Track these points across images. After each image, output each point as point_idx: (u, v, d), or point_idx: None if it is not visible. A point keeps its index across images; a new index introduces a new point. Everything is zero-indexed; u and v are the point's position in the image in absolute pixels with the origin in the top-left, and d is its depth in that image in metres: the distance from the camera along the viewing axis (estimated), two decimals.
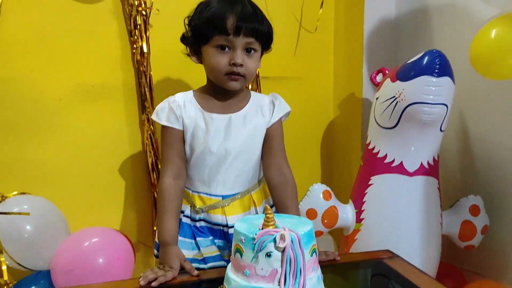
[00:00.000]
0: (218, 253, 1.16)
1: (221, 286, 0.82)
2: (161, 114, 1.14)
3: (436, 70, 1.28)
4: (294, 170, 1.26)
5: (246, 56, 1.10)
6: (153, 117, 1.15)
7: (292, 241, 0.74)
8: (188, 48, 1.17)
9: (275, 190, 1.19)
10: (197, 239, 1.15)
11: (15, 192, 1.36)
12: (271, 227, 0.77)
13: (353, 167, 1.67)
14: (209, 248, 1.16)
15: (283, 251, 0.74)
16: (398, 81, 1.36)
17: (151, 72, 1.51)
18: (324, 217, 1.52)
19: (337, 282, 0.90)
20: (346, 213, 1.54)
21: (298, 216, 0.88)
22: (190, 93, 1.18)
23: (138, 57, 1.50)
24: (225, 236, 1.16)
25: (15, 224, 1.28)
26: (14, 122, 1.41)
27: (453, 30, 1.56)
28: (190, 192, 1.18)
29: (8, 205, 1.31)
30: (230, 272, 0.80)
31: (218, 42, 1.07)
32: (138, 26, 1.47)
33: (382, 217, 1.45)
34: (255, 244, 0.75)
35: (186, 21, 1.15)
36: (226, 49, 1.08)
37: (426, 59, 1.30)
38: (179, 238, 1.13)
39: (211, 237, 1.16)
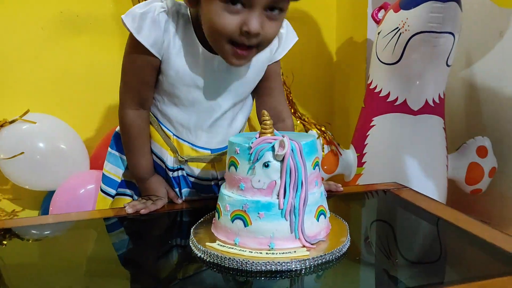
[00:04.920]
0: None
1: (214, 210, 0.75)
2: (141, 24, 0.79)
3: None
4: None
5: (267, 19, 0.73)
6: (127, 20, 0.79)
7: (292, 150, 0.66)
8: None
9: None
10: (183, 190, 0.94)
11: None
12: (269, 134, 0.69)
13: (355, 111, 1.59)
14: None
15: (282, 160, 0.66)
16: (401, 11, 1.27)
17: None
18: (324, 163, 1.45)
19: (341, 211, 0.82)
20: (347, 157, 1.47)
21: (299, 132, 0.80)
22: (186, 11, 0.83)
23: None
24: (213, 191, 0.95)
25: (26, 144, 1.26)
26: None
27: None
28: (172, 135, 0.90)
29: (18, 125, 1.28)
30: (224, 189, 0.72)
31: None
32: None
33: (385, 159, 1.38)
34: (251, 154, 0.67)
35: None
36: (239, 5, 0.71)
37: None
38: None
39: (194, 190, 0.96)
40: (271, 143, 0.67)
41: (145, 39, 0.79)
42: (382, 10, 1.44)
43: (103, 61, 1.43)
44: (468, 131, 1.51)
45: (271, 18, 0.74)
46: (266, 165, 0.66)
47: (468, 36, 1.43)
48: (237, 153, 0.68)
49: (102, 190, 0.97)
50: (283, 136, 0.67)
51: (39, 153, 1.29)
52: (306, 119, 1.56)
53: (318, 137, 1.46)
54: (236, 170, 0.69)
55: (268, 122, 0.69)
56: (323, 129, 1.48)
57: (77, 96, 1.42)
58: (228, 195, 0.69)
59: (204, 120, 0.89)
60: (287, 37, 0.92)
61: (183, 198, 0.95)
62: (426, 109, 1.34)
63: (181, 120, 0.89)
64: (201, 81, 0.84)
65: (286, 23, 0.92)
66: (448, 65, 1.32)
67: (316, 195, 0.70)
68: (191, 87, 0.85)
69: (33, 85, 1.37)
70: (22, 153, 1.24)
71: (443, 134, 1.39)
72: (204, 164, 0.92)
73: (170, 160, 0.92)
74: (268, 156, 0.66)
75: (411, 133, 1.35)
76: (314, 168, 0.70)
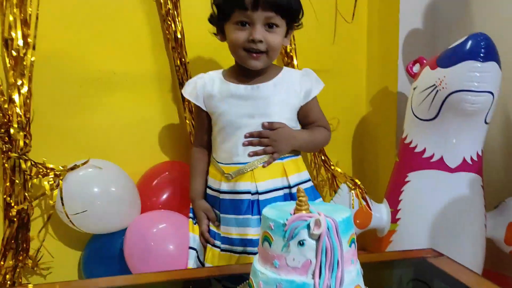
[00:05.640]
0: (245, 236, 1.11)
1: (246, 281, 0.74)
2: (187, 87, 1.20)
3: (481, 55, 1.18)
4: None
5: (267, 32, 1.08)
6: (182, 90, 1.23)
7: (328, 228, 0.65)
8: (215, 27, 1.18)
9: None
10: (221, 215, 1.16)
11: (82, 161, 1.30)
12: (304, 211, 0.67)
13: (387, 164, 1.56)
14: (235, 229, 1.14)
15: (318, 239, 0.65)
16: (438, 68, 1.26)
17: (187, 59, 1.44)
18: (356, 217, 1.42)
19: (377, 282, 0.80)
20: (381, 212, 1.43)
21: (334, 204, 0.78)
22: (221, 71, 1.21)
23: (173, 44, 1.42)
24: (252, 208, 1.10)
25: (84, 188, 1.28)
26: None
27: (500, 13, 1.43)
28: (222, 165, 1.15)
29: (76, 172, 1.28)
30: (257, 264, 0.71)
31: (237, 18, 1.07)
32: (170, 11, 1.40)
33: (421, 217, 1.34)
34: (286, 231, 0.66)
35: (212, 0, 1.15)
36: (246, 25, 1.07)
37: (469, 43, 1.20)
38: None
39: (241, 216, 1.12)
40: (306, 220, 0.66)
41: (189, 95, 1.19)
42: (417, 64, 1.43)
43: (138, 116, 1.47)
44: (507, 188, 1.45)
45: (270, 31, 1.08)
46: (301, 243, 0.65)
47: (507, 91, 1.39)
48: (272, 228, 0.68)
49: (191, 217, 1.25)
50: (319, 214, 0.66)
51: (96, 198, 1.29)
52: (337, 171, 1.54)
53: (350, 190, 1.44)
54: (270, 246, 0.68)
55: (303, 199, 0.68)
56: (357, 181, 1.46)
57: (113, 150, 1.45)
58: (261, 271, 0.68)
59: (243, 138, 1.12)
60: (317, 82, 1.19)
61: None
62: (464, 167, 1.30)
63: (233, 145, 1.12)
64: (236, 106, 1.13)
65: (312, 73, 1.20)
66: (486, 123, 1.29)
67: (352, 274, 0.68)
68: (232, 114, 1.13)
69: (73, 139, 1.40)
70: (85, 211, 1.25)
71: (481, 192, 1.35)
72: (245, 176, 1.11)
73: (219, 184, 1.16)
74: (303, 234, 0.65)
75: (447, 191, 1.32)
76: (350, 246, 0.69)
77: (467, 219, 1.33)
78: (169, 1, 1.40)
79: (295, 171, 1.15)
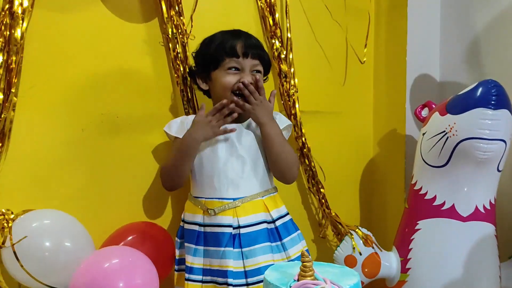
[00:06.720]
0: (226, 268, 1.15)
1: None
2: (173, 126, 1.29)
3: (493, 102, 1.15)
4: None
5: (252, 76, 1.24)
6: (165, 128, 1.29)
7: None
8: (196, 78, 1.32)
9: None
10: (203, 248, 1.20)
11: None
12: (309, 278, 0.64)
13: (395, 210, 1.52)
14: (216, 261, 1.18)
15: None
16: (448, 115, 1.23)
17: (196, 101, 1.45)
18: (364, 266, 1.37)
19: None
20: (390, 261, 1.38)
21: (341, 266, 0.74)
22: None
23: (182, 87, 1.43)
24: (234, 240, 1.17)
25: (34, 240, 1.16)
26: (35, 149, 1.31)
27: (509, 57, 1.42)
28: (203, 199, 1.22)
29: (27, 221, 1.19)
30: None
31: (229, 64, 1.23)
32: (179, 55, 1.41)
33: (432, 267, 1.29)
34: None
35: (193, 55, 1.33)
36: (236, 70, 1.24)
37: (480, 90, 1.18)
38: (187, 244, 1.23)
39: (222, 249, 1.17)
40: None
41: (177, 134, 1.27)
42: (426, 108, 1.41)
43: (143, 159, 1.44)
44: None
45: (254, 76, 1.25)
46: None
47: None
48: None
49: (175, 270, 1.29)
50: (325, 281, 0.62)
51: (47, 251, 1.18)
52: (341, 223, 1.50)
53: (351, 238, 1.40)
54: None
55: (308, 264, 0.64)
56: (360, 230, 1.42)
57: (117, 198, 1.41)
58: None
59: (224, 175, 1.21)
60: (280, 120, 1.30)
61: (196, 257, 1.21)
62: (476, 215, 1.26)
63: (209, 183, 1.22)
64: (215, 143, 1.23)
65: (279, 113, 1.35)
66: (499, 171, 1.25)
67: None
68: (210, 150, 1.24)
69: (70, 186, 1.35)
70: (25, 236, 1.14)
71: (495, 242, 1.30)
72: (227, 211, 1.19)
73: (200, 217, 1.21)
74: None
75: (460, 240, 1.27)
76: None
77: (480, 270, 1.27)
78: (177, 45, 1.41)
79: (274, 207, 1.24)
